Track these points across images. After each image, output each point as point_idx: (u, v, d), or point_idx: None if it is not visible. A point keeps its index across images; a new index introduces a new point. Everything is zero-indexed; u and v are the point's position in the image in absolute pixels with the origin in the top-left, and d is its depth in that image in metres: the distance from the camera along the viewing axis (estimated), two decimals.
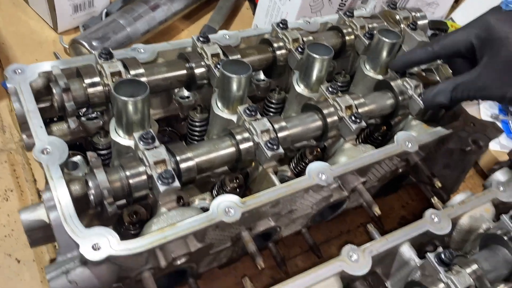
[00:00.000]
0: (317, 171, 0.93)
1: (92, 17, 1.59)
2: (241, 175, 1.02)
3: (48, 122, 1.00)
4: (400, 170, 1.24)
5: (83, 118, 1.01)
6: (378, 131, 1.23)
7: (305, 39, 1.15)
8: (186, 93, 1.13)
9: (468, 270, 0.84)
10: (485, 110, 1.67)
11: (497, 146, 1.57)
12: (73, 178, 0.84)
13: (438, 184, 1.23)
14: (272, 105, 1.20)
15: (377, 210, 1.11)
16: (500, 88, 0.91)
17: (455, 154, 1.29)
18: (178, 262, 0.92)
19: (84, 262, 0.80)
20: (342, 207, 1.22)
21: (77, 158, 1.03)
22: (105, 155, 1.00)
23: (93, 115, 1.02)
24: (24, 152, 1.22)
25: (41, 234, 0.86)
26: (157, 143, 0.83)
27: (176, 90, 1.13)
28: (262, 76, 1.24)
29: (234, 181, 1.00)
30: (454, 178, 1.35)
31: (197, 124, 1.08)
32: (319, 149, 1.12)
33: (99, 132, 0.99)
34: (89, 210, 0.90)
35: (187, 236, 0.89)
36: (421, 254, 0.91)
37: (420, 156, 1.21)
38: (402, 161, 1.18)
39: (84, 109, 1.01)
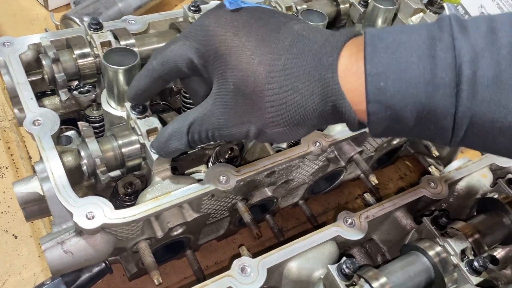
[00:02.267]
0: (312, 139, 0.93)
1: None
2: (236, 146, 1.01)
3: (39, 96, 0.99)
4: (397, 140, 1.23)
5: (75, 92, 1.00)
6: None
7: (298, 7, 1.13)
8: None
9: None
10: None
11: None
12: (65, 149, 0.84)
13: (435, 153, 1.23)
14: None
15: (374, 180, 1.11)
16: (239, 126, 0.64)
17: None
18: (175, 233, 0.92)
19: (79, 232, 0.80)
20: (339, 179, 1.21)
21: (71, 133, 1.02)
22: (98, 127, 0.99)
23: (85, 88, 1.01)
24: (18, 129, 1.21)
25: (36, 207, 0.86)
26: (149, 112, 0.82)
27: None
28: None
29: (229, 152, 0.99)
30: (452, 148, 1.35)
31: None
32: None
33: (92, 105, 0.98)
34: (83, 183, 0.90)
35: (183, 206, 0.90)
36: (418, 220, 0.91)
37: None
38: None
39: (76, 83, 1.00)
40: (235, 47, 0.62)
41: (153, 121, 0.80)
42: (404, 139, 1.23)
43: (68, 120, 1.03)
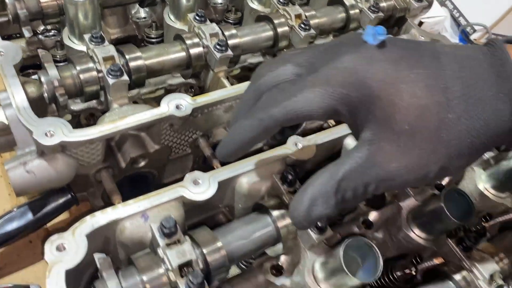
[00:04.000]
0: None
1: None
2: (198, 87, 1.06)
3: (6, 39, 1.03)
4: None
5: (40, 36, 1.04)
6: None
7: (307, 14, 1.13)
8: (143, 13, 1.16)
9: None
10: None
11: None
12: (28, 80, 0.88)
13: None
14: None
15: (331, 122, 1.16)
16: (417, 170, 0.56)
17: None
18: (138, 165, 0.96)
19: (41, 154, 0.84)
20: (302, 127, 1.26)
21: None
22: None
23: (51, 32, 1.05)
24: None
25: (3, 138, 0.91)
26: (106, 42, 0.87)
27: (133, 12, 1.16)
28: None
29: (190, 90, 1.04)
30: None
31: (153, 41, 1.11)
32: None
33: (56, 45, 1.02)
34: (47, 115, 0.94)
35: (144, 137, 0.94)
36: None
37: None
38: None
39: (42, 27, 1.05)
40: (402, 84, 0.56)
41: (110, 49, 0.85)
42: None
43: (36, 65, 1.07)
